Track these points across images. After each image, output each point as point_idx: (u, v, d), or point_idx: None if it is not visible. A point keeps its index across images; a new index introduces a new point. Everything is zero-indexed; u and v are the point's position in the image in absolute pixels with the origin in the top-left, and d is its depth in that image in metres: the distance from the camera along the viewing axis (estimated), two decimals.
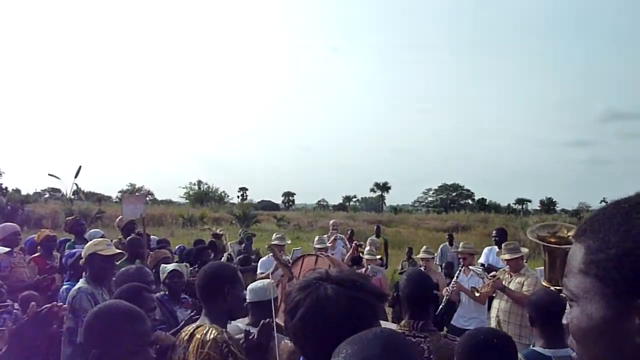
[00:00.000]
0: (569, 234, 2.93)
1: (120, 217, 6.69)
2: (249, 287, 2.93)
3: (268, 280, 3.25)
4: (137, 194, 9.26)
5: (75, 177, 7.75)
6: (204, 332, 2.10)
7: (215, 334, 2.07)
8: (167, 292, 3.84)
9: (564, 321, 0.71)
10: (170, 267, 3.98)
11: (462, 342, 1.95)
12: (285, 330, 1.54)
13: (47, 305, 1.93)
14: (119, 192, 54.04)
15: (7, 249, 3.02)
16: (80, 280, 3.43)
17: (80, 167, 7.79)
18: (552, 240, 3.22)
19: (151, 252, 5.15)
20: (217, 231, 8.50)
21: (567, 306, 0.71)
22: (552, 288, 3.15)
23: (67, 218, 6.59)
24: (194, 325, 2.24)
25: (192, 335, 2.14)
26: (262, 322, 2.28)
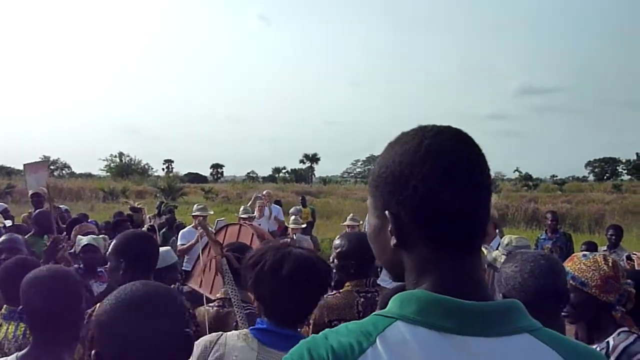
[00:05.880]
0: None
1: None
2: None
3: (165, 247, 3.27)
4: (38, 160, 8.16)
5: None
6: None
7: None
8: (81, 266, 3.74)
9: None
10: (85, 240, 3.86)
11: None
12: (248, 287, 1.63)
13: None
14: None
15: None
16: None
17: None
18: None
19: (77, 226, 4.93)
20: (136, 205, 8.13)
21: None
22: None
23: None
24: None
25: None
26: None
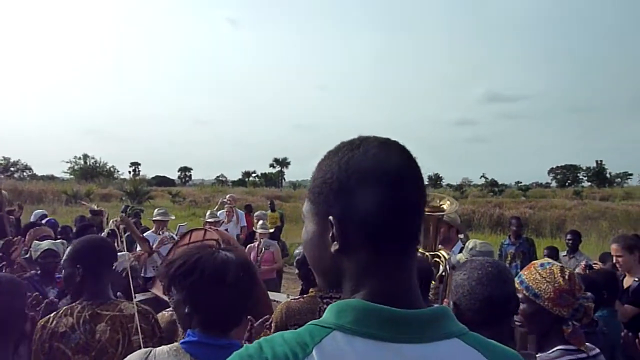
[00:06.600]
0: (441, 203, 3.11)
1: None
2: None
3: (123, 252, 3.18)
4: None
5: None
6: (122, 307, 1.99)
7: (135, 308, 1.99)
8: (38, 272, 3.59)
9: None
10: (45, 245, 3.69)
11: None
12: (175, 295, 1.52)
13: None
14: None
15: None
16: None
17: None
18: (426, 209, 3.38)
19: (31, 230, 4.76)
20: (95, 207, 7.82)
21: None
22: (427, 254, 3.35)
23: None
24: (84, 304, 2.00)
25: (97, 314, 1.96)
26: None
